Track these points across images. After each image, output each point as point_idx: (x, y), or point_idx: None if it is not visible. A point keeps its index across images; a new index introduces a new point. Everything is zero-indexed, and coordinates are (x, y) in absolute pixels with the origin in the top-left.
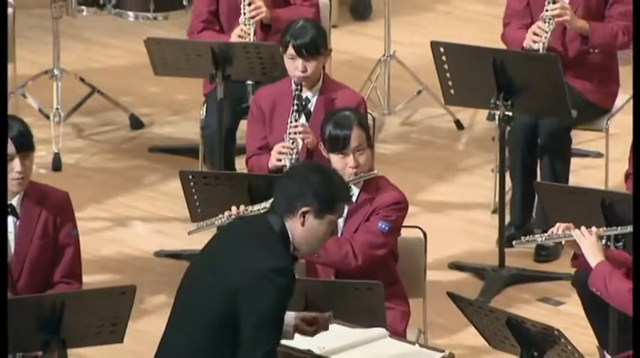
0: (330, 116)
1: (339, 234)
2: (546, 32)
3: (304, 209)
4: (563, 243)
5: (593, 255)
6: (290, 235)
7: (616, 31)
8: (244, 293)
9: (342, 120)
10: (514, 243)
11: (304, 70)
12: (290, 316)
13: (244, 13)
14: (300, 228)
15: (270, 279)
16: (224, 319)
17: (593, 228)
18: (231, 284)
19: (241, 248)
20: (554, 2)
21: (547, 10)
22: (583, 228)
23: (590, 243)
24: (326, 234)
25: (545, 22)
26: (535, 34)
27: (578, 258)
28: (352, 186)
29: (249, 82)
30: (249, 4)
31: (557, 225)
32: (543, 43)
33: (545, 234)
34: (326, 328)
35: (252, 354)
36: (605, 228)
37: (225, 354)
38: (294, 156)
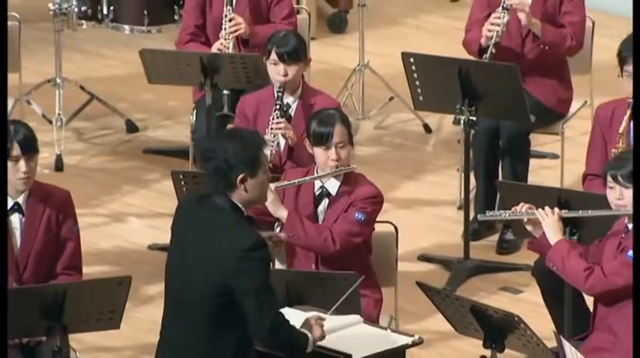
0: (315, 114)
1: (320, 222)
2: (499, 25)
3: (240, 177)
4: (525, 220)
5: (554, 233)
6: (239, 205)
7: (566, 35)
8: (233, 279)
9: (326, 117)
10: (479, 216)
11: (285, 74)
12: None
13: (224, 28)
14: (245, 193)
15: (250, 258)
16: (219, 306)
17: (556, 209)
18: (217, 275)
19: (209, 238)
20: None
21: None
22: (547, 207)
23: (551, 221)
24: (266, 183)
25: (500, 15)
26: (491, 23)
27: (534, 242)
28: (333, 179)
29: (226, 92)
30: (230, 20)
31: (521, 204)
32: (497, 32)
33: (509, 211)
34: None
35: (263, 325)
36: (566, 211)
37: (228, 335)
38: (274, 149)
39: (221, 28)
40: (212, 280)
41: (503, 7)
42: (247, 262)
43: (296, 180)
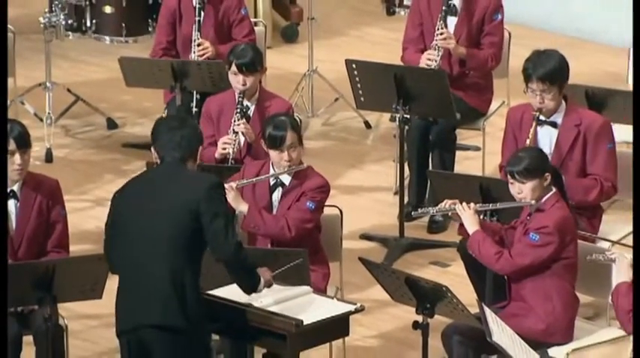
0: (269, 120)
1: (275, 212)
2: (436, 59)
3: (200, 148)
4: (450, 214)
5: (471, 225)
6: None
7: (487, 58)
8: (205, 206)
9: (279, 123)
10: (412, 213)
11: (244, 84)
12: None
13: (194, 52)
14: (194, 164)
15: (217, 192)
16: (188, 236)
17: (472, 204)
18: (192, 206)
19: (171, 184)
20: (441, 34)
21: (437, 37)
22: (464, 203)
23: (468, 215)
24: None
25: (435, 50)
26: (428, 59)
27: (461, 227)
28: (286, 175)
29: (195, 110)
30: (199, 45)
31: (445, 200)
32: (434, 67)
33: (436, 207)
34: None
35: (229, 242)
36: (480, 204)
37: (193, 263)
38: (235, 146)
39: (190, 45)
40: (182, 213)
41: (434, 48)
42: (215, 194)
43: (254, 179)
